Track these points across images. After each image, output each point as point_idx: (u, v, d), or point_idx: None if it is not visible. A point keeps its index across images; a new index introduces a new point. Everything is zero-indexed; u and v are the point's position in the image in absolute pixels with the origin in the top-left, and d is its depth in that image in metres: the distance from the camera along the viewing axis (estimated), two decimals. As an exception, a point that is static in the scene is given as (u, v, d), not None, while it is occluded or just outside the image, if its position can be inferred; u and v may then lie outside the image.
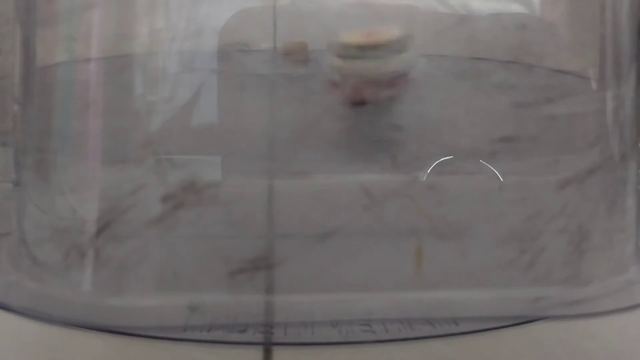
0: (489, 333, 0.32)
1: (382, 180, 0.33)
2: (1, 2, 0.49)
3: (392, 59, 0.35)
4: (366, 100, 0.35)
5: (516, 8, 0.36)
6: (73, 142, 0.34)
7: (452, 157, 0.33)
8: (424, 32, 0.35)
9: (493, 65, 0.35)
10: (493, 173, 0.33)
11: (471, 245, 0.34)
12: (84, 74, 0.34)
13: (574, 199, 0.35)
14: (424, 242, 0.33)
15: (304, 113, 0.34)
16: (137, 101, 0.34)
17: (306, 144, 0.33)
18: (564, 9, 0.37)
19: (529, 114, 0.34)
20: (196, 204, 0.32)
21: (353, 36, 0.35)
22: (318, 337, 0.31)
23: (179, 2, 0.34)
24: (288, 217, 0.34)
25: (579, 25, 0.36)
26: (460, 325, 0.32)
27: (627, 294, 0.35)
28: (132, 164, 0.33)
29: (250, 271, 0.33)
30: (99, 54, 0.34)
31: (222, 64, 0.34)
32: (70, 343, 0.31)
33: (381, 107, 0.35)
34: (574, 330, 0.32)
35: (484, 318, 0.32)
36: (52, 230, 0.35)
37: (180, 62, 0.33)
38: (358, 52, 0.35)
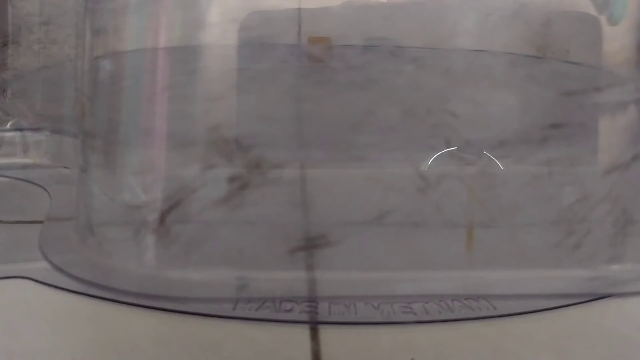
0: (527, 315, 0.32)
1: (436, 165, 0.34)
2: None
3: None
4: None
5: (561, 2, 0.37)
6: (143, 127, 0.36)
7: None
8: (479, 25, 0.36)
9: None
10: (543, 158, 0.34)
11: (520, 227, 0.35)
12: (153, 63, 0.35)
13: (619, 184, 0.36)
14: (475, 224, 0.35)
15: (362, 99, 0.35)
16: (206, 88, 0.35)
17: (364, 130, 0.34)
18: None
19: (578, 102, 0.35)
20: (260, 184, 0.34)
21: None
22: (361, 318, 0.32)
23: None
24: (345, 200, 0.35)
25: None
26: (498, 309, 0.33)
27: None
28: (201, 147, 0.34)
29: (305, 250, 0.34)
30: (168, 43, 0.35)
31: (289, 53, 0.35)
32: (124, 321, 0.32)
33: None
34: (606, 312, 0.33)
35: (529, 296, 0.33)
36: (122, 210, 0.36)
37: (249, 51, 0.35)
38: None
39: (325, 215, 0.35)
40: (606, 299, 0.34)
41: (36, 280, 0.34)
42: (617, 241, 0.36)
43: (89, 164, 0.38)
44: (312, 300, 0.33)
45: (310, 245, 0.34)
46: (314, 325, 0.31)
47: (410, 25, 0.36)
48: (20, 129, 0.54)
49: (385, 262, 0.35)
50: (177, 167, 0.35)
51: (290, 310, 0.32)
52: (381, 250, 0.35)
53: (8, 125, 0.54)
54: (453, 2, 0.36)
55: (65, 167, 0.51)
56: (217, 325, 0.31)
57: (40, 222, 0.41)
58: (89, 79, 0.38)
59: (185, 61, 0.35)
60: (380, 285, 0.34)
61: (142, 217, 0.35)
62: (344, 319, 0.32)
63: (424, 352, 0.30)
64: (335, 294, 0.33)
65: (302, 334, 0.31)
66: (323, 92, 0.35)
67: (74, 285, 0.34)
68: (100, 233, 0.37)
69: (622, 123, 0.36)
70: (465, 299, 0.33)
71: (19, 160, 0.52)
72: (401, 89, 0.35)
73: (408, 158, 0.34)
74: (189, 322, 0.31)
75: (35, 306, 0.33)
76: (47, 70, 0.56)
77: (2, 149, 0.53)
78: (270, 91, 0.35)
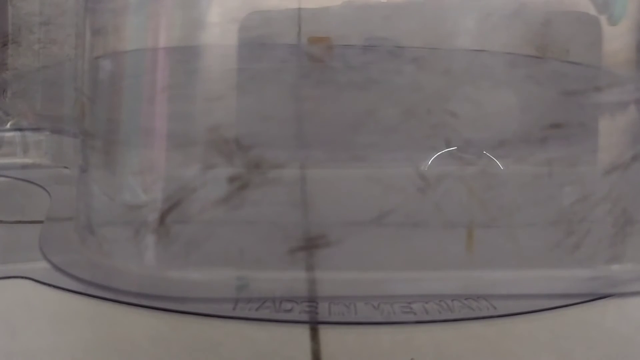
0: (527, 315, 0.33)
1: (436, 165, 0.34)
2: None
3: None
4: None
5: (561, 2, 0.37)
6: (143, 127, 0.36)
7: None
8: (479, 25, 0.36)
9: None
10: (543, 158, 0.35)
11: (520, 227, 0.35)
12: (153, 63, 0.35)
13: (619, 184, 0.36)
14: (475, 224, 0.35)
15: (362, 99, 0.35)
16: (206, 88, 0.35)
17: (364, 130, 0.35)
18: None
19: (578, 102, 0.35)
20: (260, 184, 0.34)
21: None
22: (361, 318, 0.32)
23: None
24: (345, 200, 0.35)
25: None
26: (498, 309, 0.33)
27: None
28: (201, 147, 0.34)
29: (304, 251, 0.34)
30: (168, 43, 0.35)
31: (289, 53, 0.35)
32: (124, 321, 0.32)
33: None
34: (606, 312, 0.33)
35: (529, 296, 0.34)
36: (122, 210, 0.36)
37: (249, 51, 0.35)
38: None
39: (325, 215, 0.35)
40: (606, 299, 0.34)
41: (36, 280, 0.34)
42: (617, 241, 0.36)
43: (89, 164, 0.38)
44: (312, 300, 0.33)
45: (310, 245, 0.34)
46: (314, 325, 0.31)
47: (410, 25, 0.36)
48: (20, 129, 0.54)
49: (385, 262, 0.35)
50: (177, 167, 0.35)
51: (290, 310, 0.32)
52: (381, 250, 0.35)
53: (8, 125, 0.54)
54: (453, 2, 0.36)
55: (65, 167, 0.51)
56: (217, 325, 0.31)
57: (40, 222, 0.41)
58: (89, 79, 0.38)
59: (185, 61, 0.35)
60: (380, 285, 0.34)
61: (142, 217, 0.35)
62: (344, 319, 0.32)
63: (424, 352, 0.30)
64: (335, 294, 0.33)
65: (302, 334, 0.31)
66: (323, 92, 0.35)
67: (74, 285, 0.34)
68: (100, 233, 0.37)
69: (622, 123, 0.36)
70: (465, 299, 0.33)
71: (19, 160, 0.52)
72: (401, 89, 0.35)
73: (408, 158, 0.34)
74: (189, 322, 0.32)
75: (35, 306, 0.33)
76: (47, 70, 0.56)
77: (2, 149, 0.53)
78: (270, 91, 0.35)
